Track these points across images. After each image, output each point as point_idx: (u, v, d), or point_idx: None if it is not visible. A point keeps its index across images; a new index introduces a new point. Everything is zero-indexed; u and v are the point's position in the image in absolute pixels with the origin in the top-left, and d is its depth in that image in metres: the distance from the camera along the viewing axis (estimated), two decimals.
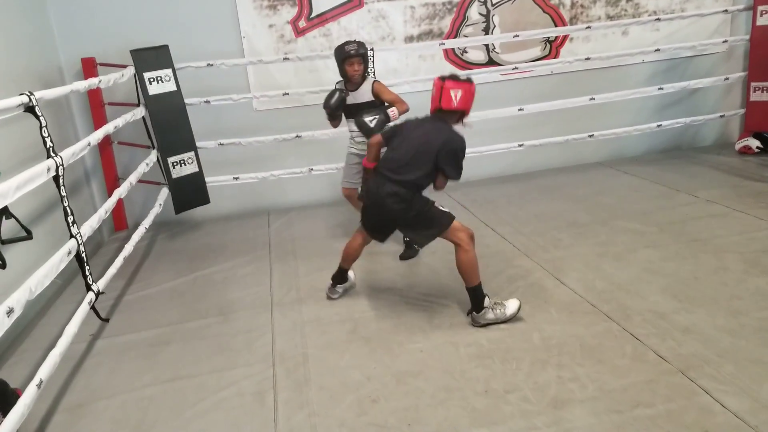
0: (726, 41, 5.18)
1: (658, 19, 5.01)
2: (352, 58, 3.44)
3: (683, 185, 4.51)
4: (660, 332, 2.54)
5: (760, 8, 4.94)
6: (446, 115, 2.80)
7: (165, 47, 4.18)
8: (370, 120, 3.30)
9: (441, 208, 2.79)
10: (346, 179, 3.79)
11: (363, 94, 3.51)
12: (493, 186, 4.99)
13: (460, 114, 2.81)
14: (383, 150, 2.97)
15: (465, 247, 2.71)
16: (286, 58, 4.54)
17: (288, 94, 4.59)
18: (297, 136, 4.60)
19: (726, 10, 5.14)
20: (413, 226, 2.83)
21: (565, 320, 2.72)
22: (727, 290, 2.86)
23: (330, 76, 4.80)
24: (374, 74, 4.52)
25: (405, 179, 2.73)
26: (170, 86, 4.21)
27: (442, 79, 2.76)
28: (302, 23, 4.73)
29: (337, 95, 3.49)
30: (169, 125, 4.24)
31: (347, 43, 3.49)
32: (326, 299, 3.16)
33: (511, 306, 2.73)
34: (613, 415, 2.05)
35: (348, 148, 3.78)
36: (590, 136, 4.98)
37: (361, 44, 3.48)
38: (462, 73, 3.01)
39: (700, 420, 1.99)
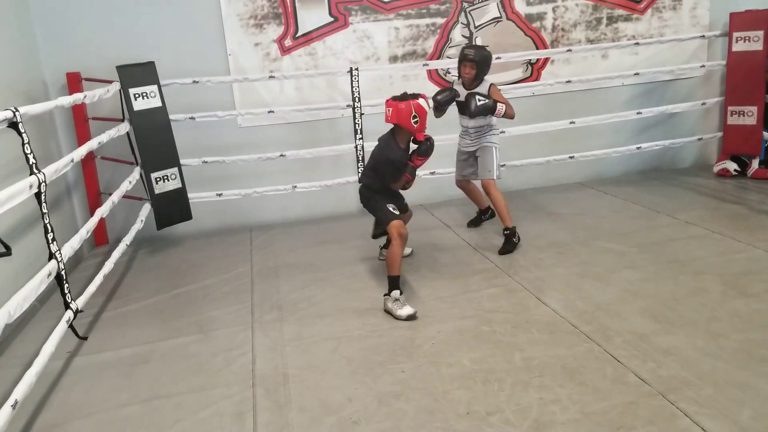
0: (703, 66, 5.33)
1: (637, 44, 5.14)
2: (465, 62, 3.68)
3: (663, 206, 4.58)
4: (640, 354, 2.56)
5: (735, 35, 5.10)
6: (395, 129, 3.33)
7: (151, 63, 4.18)
8: (479, 100, 3.61)
9: (391, 210, 3.33)
10: (458, 172, 4.11)
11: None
12: (474, 205, 5.01)
13: (398, 127, 3.28)
14: None
15: (394, 243, 3.21)
16: (271, 77, 4.56)
17: (273, 111, 4.60)
18: (281, 155, 4.60)
19: (703, 36, 5.30)
20: (376, 218, 3.50)
21: (547, 340, 2.73)
22: (706, 312, 2.90)
23: (314, 94, 4.85)
24: (359, 94, 4.56)
25: (365, 176, 3.52)
26: (155, 102, 4.20)
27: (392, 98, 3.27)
28: (288, 42, 4.77)
29: (447, 93, 3.73)
30: (154, 141, 4.22)
31: (467, 45, 3.75)
32: (310, 317, 3.14)
33: (405, 311, 3.06)
34: None
35: (458, 144, 4.07)
36: (571, 157, 5.05)
37: (479, 50, 3.68)
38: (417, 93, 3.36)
39: None
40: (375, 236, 3.77)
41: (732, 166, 5.31)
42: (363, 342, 2.84)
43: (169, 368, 2.74)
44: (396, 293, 3.13)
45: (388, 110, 3.24)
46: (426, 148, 3.30)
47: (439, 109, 3.82)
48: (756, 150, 5.18)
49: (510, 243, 3.81)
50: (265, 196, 4.68)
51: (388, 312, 3.12)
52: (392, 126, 3.32)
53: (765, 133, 5.10)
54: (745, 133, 5.16)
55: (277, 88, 4.79)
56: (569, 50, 5.04)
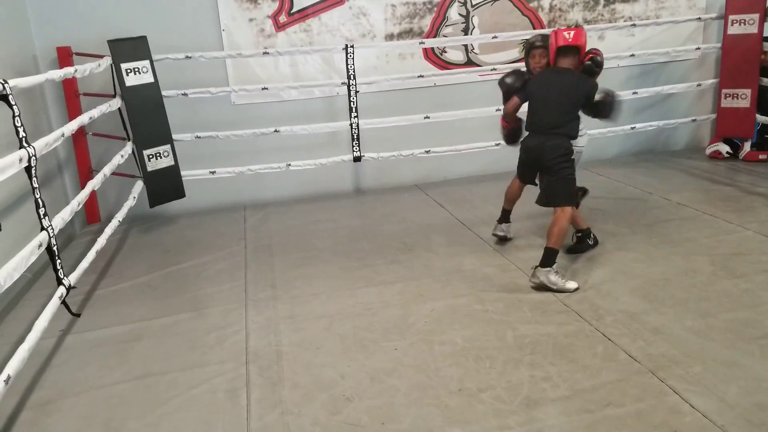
0: (699, 48, 5.31)
1: (634, 25, 5.11)
2: (534, 50, 3.41)
3: (655, 188, 4.60)
4: (631, 332, 2.59)
5: (731, 17, 5.07)
6: (566, 60, 3.20)
7: (143, 38, 4.10)
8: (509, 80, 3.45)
9: (577, 186, 3.26)
10: None
11: None
12: (470, 185, 5.02)
13: (576, 51, 3.19)
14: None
15: (568, 216, 3.13)
16: (266, 53, 4.50)
17: (267, 88, 4.55)
18: (275, 131, 4.56)
19: (699, 18, 5.27)
20: (557, 184, 3.18)
21: (539, 319, 2.76)
22: (696, 292, 2.93)
23: (309, 72, 4.79)
24: (354, 71, 4.51)
25: (561, 131, 3.18)
26: (147, 78, 4.13)
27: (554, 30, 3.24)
28: (283, 18, 4.69)
29: (514, 76, 3.45)
30: (146, 117, 4.17)
31: (533, 37, 3.52)
32: (304, 295, 3.15)
33: (572, 284, 3.02)
34: (584, 415, 2.09)
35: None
36: None
37: (545, 38, 3.42)
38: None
39: (668, 420, 2.04)
40: (543, 204, 3.33)
41: (724, 148, 5.33)
42: (356, 320, 2.86)
43: (162, 345, 2.74)
44: (555, 266, 3.03)
45: (569, 33, 3.16)
46: (600, 60, 3.34)
47: (507, 96, 3.47)
48: (749, 133, 5.20)
49: (583, 243, 3.49)
50: (260, 174, 4.65)
51: (545, 285, 2.98)
52: (550, 62, 3.26)
53: (758, 116, 5.11)
54: (739, 116, 5.17)
55: (271, 65, 4.73)
56: None
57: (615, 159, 5.53)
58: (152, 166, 4.24)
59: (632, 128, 5.16)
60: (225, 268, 3.59)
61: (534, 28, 5.11)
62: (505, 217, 3.67)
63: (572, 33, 3.17)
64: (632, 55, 5.09)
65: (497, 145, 4.92)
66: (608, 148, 5.54)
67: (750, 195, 4.36)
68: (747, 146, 5.23)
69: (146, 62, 4.12)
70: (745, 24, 5.02)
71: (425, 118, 4.77)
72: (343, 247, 3.81)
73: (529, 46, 3.49)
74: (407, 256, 3.59)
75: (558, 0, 5.14)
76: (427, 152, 4.81)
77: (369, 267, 3.47)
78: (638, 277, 3.13)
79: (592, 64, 3.36)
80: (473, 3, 4.98)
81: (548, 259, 3.02)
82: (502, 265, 3.39)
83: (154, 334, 2.85)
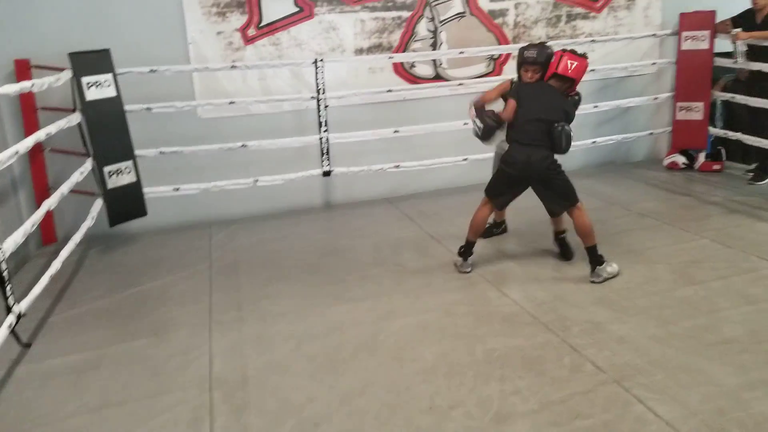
0: (655, 63, 5.51)
1: (594, 41, 5.26)
2: (528, 66, 3.32)
3: (617, 199, 4.72)
4: (596, 342, 2.63)
5: (684, 34, 5.29)
6: (557, 83, 3.26)
7: (106, 51, 4.00)
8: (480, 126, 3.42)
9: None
10: None
11: None
12: (438, 198, 5.05)
13: (571, 83, 3.26)
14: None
15: (584, 213, 3.27)
16: (233, 66, 4.45)
17: (234, 102, 4.49)
18: (243, 146, 4.49)
19: (655, 35, 5.47)
20: (556, 190, 3.31)
21: (507, 332, 2.77)
22: (657, 300, 3.00)
23: (279, 84, 4.75)
24: (324, 85, 4.49)
25: (545, 144, 3.24)
26: (110, 92, 4.02)
27: (563, 50, 3.27)
28: (252, 31, 4.65)
29: (489, 118, 3.36)
30: (107, 133, 4.04)
31: (528, 47, 3.37)
32: (271, 315, 3.09)
33: (615, 266, 3.28)
34: (552, 428, 2.10)
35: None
36: None
37: (542, 49, 3.32)
38: (581, 51, 3.36)
39: (635, 429, 2.07)
40: (557, 214, 3.52)
41: (681, 159, 5.52)
42: (325, 339, 2.81)
43: (120, 374, 2.63)
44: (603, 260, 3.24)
45: (571, 63, 3.15)
46: (580, 98, 3.40)
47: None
48: (702, 144, 5.41)
49: (568, 249, 3.59)
50: (226, 190, 4.57)
51: (608, 279, 3.22)
52: (547, 79, 3.26)
53: (710, 128, 5.32)
54: (693, 128, 5.37)
55: (239, 79, 4.67)
56: None
57: (579, 171, 5.63)
58: (113, 183, 4.11)
59: (593, 143, 5.29)
60: (188, 289, 3.50)
61: (499, 44, 5.20)
62: (470, 249, 3.48)
63: (575, 65, 3.19)
64: (592, 70, 5.21)
65: (464, 160, 4.97)
66: (572, 160, 5.62)
67: (706, 204, 4.51)
68: (701, 157, 5.42)
69: (109, 75, 4.00)
70: (697, 40, 5.24)
71: (395, 132, 4.79)
72: (312, 264, 3.76)
73: (523, 60, 3.38)
74: (377, 271, 3.57)
75: (522, 17, 5.25)
76: (397, 167, 4.82)
77: (338, 284, 3.43)
78: (602, 286, 3.19)
79: (577, 101, 3.41)
80: (441, 19, 5.05)
81: (596, 256, 3.25)
82: (471, 277, 3.40)
83: (111, 362, 2.72)
